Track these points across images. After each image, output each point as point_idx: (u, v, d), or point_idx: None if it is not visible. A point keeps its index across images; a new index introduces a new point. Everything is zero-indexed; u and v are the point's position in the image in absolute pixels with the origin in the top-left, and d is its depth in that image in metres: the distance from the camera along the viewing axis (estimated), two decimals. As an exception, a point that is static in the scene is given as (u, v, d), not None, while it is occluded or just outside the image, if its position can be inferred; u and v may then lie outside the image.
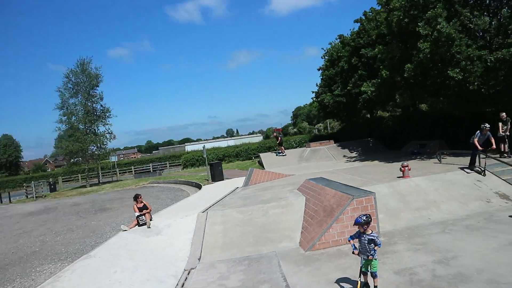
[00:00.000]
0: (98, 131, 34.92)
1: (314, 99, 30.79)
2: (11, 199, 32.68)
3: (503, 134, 13.34)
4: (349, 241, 5.71)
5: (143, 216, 10.22)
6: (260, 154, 28.44)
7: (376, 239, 5.43)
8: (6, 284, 7.95)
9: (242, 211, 10.13)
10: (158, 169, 43.32)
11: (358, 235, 5.58)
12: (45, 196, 31.64)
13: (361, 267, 5.59)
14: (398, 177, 11.65)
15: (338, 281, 6.22)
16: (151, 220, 10.40)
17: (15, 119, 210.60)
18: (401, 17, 16.39)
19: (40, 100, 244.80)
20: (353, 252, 5.63)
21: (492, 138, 11.84)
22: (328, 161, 22.53)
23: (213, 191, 15.53)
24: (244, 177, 17.30)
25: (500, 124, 13.46)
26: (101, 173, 40.45)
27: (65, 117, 33.80)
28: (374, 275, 5.53)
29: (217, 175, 20.14)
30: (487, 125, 11.69)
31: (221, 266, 7.95)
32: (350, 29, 25.71)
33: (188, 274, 7.78)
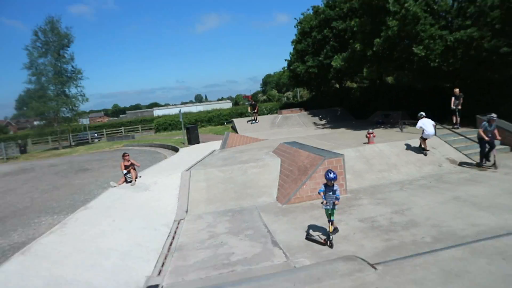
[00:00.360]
0: (70, 93, 34.42)
1: (286, 68, 31.55)
2: (-21, 159, 32.19)
3: (455, 107, 14.79)
4: (319, 193, 6.63)
5: (130, 174, 11.02)
6: (234, 119, 29.26)
7: (338, 192, 6.51)
8: (10, 232, 8.65)
9: (223, 170, 11.10)
10: (131, 133, 43.31)
11: (325, 189, 6.55)
12: (16, 157, 31.39)
13: (330, 215, 6.68)
14: (364, 143, 12.92)
15: (311, 227, 7.36)
16: (137, 177, 11.20)
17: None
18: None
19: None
20: (322, 203, 6.64)
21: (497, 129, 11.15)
22: (299, 127, 23.73)
23: (192, 153, 16.37)
24: (220, 141, 18.25)
25: (453, 98, 14.88)
26: (72, 135, 40.15)
27: (34, 77, 33.04)
28: (332, 221, 6.65)
29: (193, 139, 20.90)
30: (494, 115, 10.96)
31: (208, 217, 8.97)
32: (323, 1, 26.30)
33: (178, 224, 8.76)
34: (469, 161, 11.82)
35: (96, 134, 43.45)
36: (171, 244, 7.45)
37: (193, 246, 7.15)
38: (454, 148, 12.53)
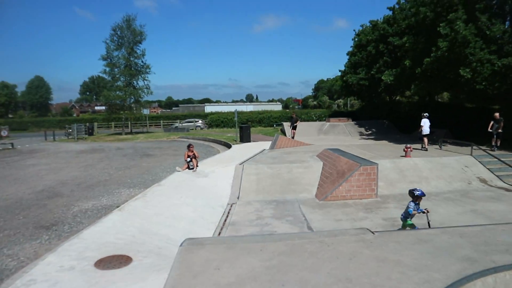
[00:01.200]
0: (137, 85, 37.73)
1: (339, 77, 32.82)
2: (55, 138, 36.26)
3: (492, 131, 15.58)
4: (419, 212, 7.13)
5: (192, 162, 13.02)
6: (283, 123, 30.94)
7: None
8: (99, 197, 10.88)
9: (271, 167, 12.83)
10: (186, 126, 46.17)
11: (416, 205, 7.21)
12: (85, 138, 35.05)
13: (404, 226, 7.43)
14: (401, 156, 14.14)
15: (341, 220, 8.88)
16: (197, 166, 13.19)
17: (42, 61, 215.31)
18: (427, 13, 18.29)
19: (66, 44, 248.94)
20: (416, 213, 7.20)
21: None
22: (345, 136, 24.99)
23: (244, 150, 18.25)
24: (269, 142, 20.02)
25: (492, 122, 15.69)
26: (132, 123, 43.72)
27: (109, 68, 36.63)
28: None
29: (245, 137, 22.84)
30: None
31: (256, 204, 10.71)
32: (383, 16, 27.36)
33: (231, 206, 10.57)
34: (499, 182, 12.71)
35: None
36: (225, 220, 9.25)
37: (243, 223, 8.91)
38: (487, 168, 13.42)
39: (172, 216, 8.48)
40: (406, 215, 7.31)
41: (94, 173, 14.94)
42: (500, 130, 15.44)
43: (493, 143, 15.58)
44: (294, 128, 23.08)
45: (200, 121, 47.41)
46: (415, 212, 7.15)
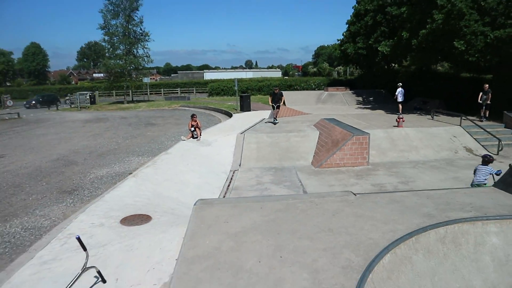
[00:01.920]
0: (137, 53, 37.98)
1: (338, 46, 33.10)
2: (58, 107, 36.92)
3: (481, 102, 16.25)
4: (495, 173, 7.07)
5: (196, 131, 13.84)
6: (282, 92, 31.46)
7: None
8: (111, 165, 11.78)
9: (270, 136, 13.67)
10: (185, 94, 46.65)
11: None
12: (88, 107, 35.70)
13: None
14: (393, 126, 14.94)
15: (334, 185, 9.80)
16: (200, 135, 14.02)
17: (36, 27, 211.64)
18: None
19: (59, 9, 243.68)
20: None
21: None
22: (342, 105, 25.70)
23: (244, 119, 19.03)
24: (268, 111, 20.77)
25: (481, 93, 16.34)
26: (133, 92, 44.21)
27: (108, 37, 36.75)
28: None
29: (245, 106, 23.55)
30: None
31: (256, 170, 11.62)
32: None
33: (233, 173, 11.48)
34: (484, 152, 13.57)
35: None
36: (229, 185, 10.18)
37: (245, 188, 9.84)
38: (474, 138, 14.26)
39: (180, 182, 9.39)
40: (486, 178, 7.42)
41: (103, 142, 15.79)
42: (488, 102, 16.12)
43: (482, 114, 16.32)
44: (277, 107, 16.52)
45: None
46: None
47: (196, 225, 4.45)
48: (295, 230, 4.23)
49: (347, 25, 30.14)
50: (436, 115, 17.74)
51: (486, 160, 7.67)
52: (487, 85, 16.39)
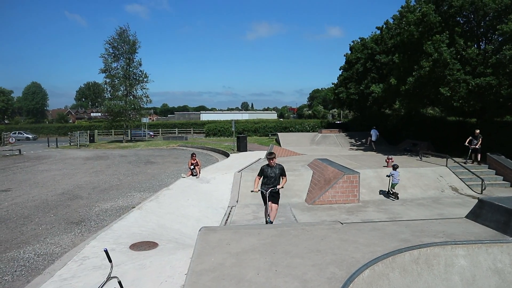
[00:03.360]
0: (137, 94, 39.33)
1: (332, 90, 34.68)
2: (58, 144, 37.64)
3: (469, 145, 16.55)
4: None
5: (195, 169, 14.53)
6: (278, 133, 32.57)
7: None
8: (115, 199, 12.35)
9: (267, 175, 14.36)
10: (183, 134, 47.63)
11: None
12: (87, 145, 36.42)
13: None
14: (383, 166, 15.74)
15: (325, 219, 10.40)
16: (200, 173, 14.70)
17: (36, 67, 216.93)
18: (414, 32, 19.96)
19: (59, 50, 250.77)
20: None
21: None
22: (335, 147, 26.64)
23: (241, 158, 19.80)
24: (264, 151, 21.60)
25: (470, 138, 16.62)
26: (131, 131, 45.20)
27: (109, 79, 38.21)
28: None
29: (242, 146, 24.40)
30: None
31: (253, 206, 12.23)
32: (372, 33, 29.27)
33: (231, 209, 12.08)
34: (469, 191, 14.32)
35: (151, 133, 48.38)
36: (227, 219, 10.76)
37: (242, 222, 10.42)
38: (460, 178, 15.03)
39: (181, 215, 9.99)
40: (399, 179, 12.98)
41: (105, 179, 16.39)
42: (478, 146, 16.29)
43: (470, 158, 16.63)
44: (272, 197, 8.61)
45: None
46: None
47: (202, 247, 5.08)
48: (288, 251, 4.87)
49: (340, 71, 31.76)
50: (425, 156, 18.64)
51: (396, 168, 13.02)
52: (478, 131, 16.61)
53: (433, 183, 14.59)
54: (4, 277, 6.28)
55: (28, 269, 6.60)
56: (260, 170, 8.44)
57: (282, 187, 8.50)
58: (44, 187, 14.50)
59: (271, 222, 8.10)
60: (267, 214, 8.43)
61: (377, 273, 4.44)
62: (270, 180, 8.31)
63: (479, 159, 16.59)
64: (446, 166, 15.69)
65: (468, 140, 16.87)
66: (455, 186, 14.58)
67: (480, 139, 16.59)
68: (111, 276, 4.20)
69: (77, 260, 5.89)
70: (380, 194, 13.51)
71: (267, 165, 8.37)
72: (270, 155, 8.27)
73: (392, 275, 4.57)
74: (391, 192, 13.18)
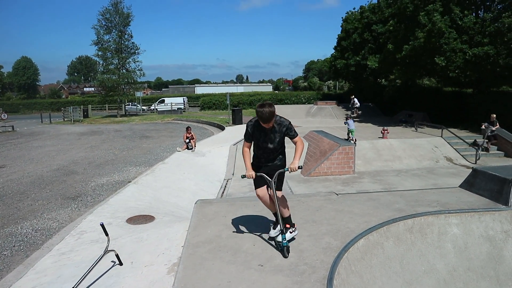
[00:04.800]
0: (130, 68, 38.79)
1: (330, 60, 34.26)
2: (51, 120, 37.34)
3: (485, 130, 15.37)
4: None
5: (190, 143, 14.50)
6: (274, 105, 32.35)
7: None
8: (111, 174, 12.35)
9: (262, 148, 14.37)
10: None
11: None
12: (81, 121, 36.15)
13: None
14: (379, 137, 15.78)
15: (321, 191, 10.50)
16: (195, 146, 14.68)
17: (26, 40, 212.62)
18: (408, 4, 19.66)
19: (48, 22, 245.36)
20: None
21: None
22: (331, 119, 26.61)
23: (236, 131, 19.75)
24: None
25: (485, 124, 15.52)
26: (125, 106, 44.83)
27: (101, 52, 37.54)
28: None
29: (237, 119, 24.32)
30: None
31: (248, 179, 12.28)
32: (368, 3, 28.68)
33: (227, 181, 12.13)
34: (463, 161, 14.43)
35: (144, 108, 47.98)
36: (223, 192, 10.82)
37: (238, 194, 10.47)
38: (454, 149, 15.12)
39: (177, 189, 10.02)
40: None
41: (100, 154, 16.35)
42: (492, 132, 15.21)
43: (482, 147, 14.90)
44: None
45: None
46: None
47: (198, 219, 5.11)
48: (284, 222, 4.91)
49: (337, 40, 31.30)
50: (420, 127, 18.67)
51: (349, 117, 16.40)
52: (494, 115, 15.56)
53: (428, 154, 14.66)
54: (3, 252, 6.33)
55: (27, 244, 6.64)
56: (247, 132, 4.42)
57: (301, 167, 4.41)
58: (39, 163, 14.44)
59: (285, 240, 4.08)
60: (278, 216, 4.26)
61: (371, 242, 4.50)
62: (269, 153, 4.43)
63: (490, 146, 15.28)
64: (441, 136, 15.74)
65: (483, 125, 15.61)
66: (449, 157, 14.67)
67: (497, 124, 15.39)
68: (108, 249, 4.24)
69: (75, 234, 5.92)
70: (375, 165, 13.60)
71: (257, 125, 4.32)
72: (263, 108, 4.06)
73: (387, 244, 4.63)
74: (350, 139, 14.92)
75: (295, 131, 4.34)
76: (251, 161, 4.51)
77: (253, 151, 4.47)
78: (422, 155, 14.58)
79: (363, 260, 4.22)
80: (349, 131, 14.86)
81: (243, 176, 4.39)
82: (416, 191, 6.51)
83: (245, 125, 4.45)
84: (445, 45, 17.90)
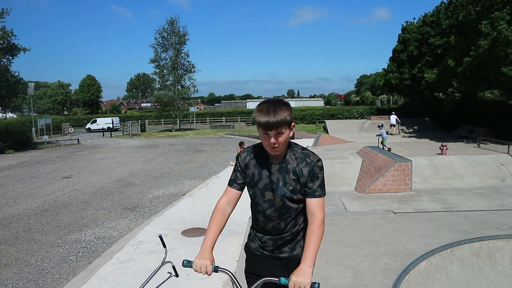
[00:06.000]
0: (185, 84, 40.31)
1: (383, 74, 33.40)
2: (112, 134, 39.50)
3: None
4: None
5: (243, 158, 14.67)
6: (326, 120, 32.07)
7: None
8: (166, 186, 12.78)
9: (314, 163, 14.21)
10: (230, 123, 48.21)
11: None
12: (138, 135, 37.91)
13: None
14: (437, 153, 15.04)
15: (376, 209, 10.14)
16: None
17: (94, 59, 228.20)
18: (472, 11, 18.71)
19: (109, 43, 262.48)
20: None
21: None
22: (388, 134, 25.82)
23: (288, 147, 19.72)
24: (311, 139, 21.38)
25: None
26: (180, 120, 46.44)
27: (158, 70, 39.39)
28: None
29: (289, 135, 24.27)
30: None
31: (300, 194, 12.17)
32: (426, 14, 27.69)
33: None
34: (534, 179, 13.34)
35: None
36: (275, 207, 10.79)
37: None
38: (523, 166, 14.04)
39: (230, 202, 10.15)
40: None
41: (156, 167, 16.99)
42: None
43: None
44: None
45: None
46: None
47: (252, 234, 5.12)
48: (339, 240, 4.79)
49: (393, 53, 30.53)
50: (483, 143, 17.55)
51: (381, 126, 17.16)
52: None
53: (493, 172, 13.72)
54: (69, 257, 6.71)
55: (89, 251, 6.99)
56: (234, 168, 2.33)
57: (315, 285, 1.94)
58: (101, 174, 15.29)
59: None
60: None
61: (434, 265, 4.26)
62: (274, 222, 2.21)
63: None
64: (508, 153, 14.69)
65: None
66: (518, 175, 13.63)
67: None
68: (165, 260, 4.36)
69: (133, 244, 6.15)
70: (433, 183, 12.94)
71: (257, 153, 2.23)
72: (266, 105, 2.01)
73: (451, 268, 4.35)
74: (385, 147, 15.98)
75: (323, 185, 2.17)
76: (250, 234, 2.46)
77: (251, 212, 2.36)
78: (486, 173, 13.66)
79: (424, 284, 3.99)
80: (383, 140, 16.42)
81: (187, 265, 2.12)
82: (482, 212, 6.09)
83: (236, 159, 2.33)
84: (512, 55, 16.85)
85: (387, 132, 18.95)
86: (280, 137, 1.98)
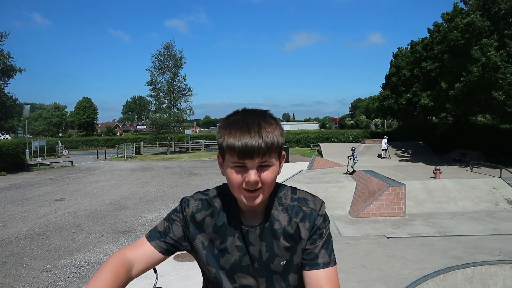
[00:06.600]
0: (181, 107, 40.54)
1: (377, 98, 33.88)
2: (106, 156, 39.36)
3: None
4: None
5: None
6: (320, 144, 32.22)
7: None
8: (159, 210, 12.68)
9: (309, 186, 14.19)
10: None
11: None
12: (133, 157, 37.80)
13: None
14: (431, 177, 15.11)
15: (370, 233, 10.10)
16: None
17: (89, 82, 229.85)
18: (458, 37, 19.18)
19: (106, 65, 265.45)
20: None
21: None
22: (380, 157, 25.93)
23: (283, 170, 19.67)
24: (306, 162, 21.42)
25: None
26: (175, 143, 46.45)
27: (154, 92, 39.70)
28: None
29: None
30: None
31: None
32: (420, 38, 28.30)
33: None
34: (527, 204, 13.39)
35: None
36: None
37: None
38: (516, 191, 14.12)
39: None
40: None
41: (150, 190, 16.90)
42: None
43: None
44: None
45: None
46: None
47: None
48: (332, 266, 4.77)
49: (386, 77, 31.03)
50: (476, 167, 17.68)
51: (354, 150, 17.63)
52: None
53: (486, 196, 13.78)
54: (58, 282, 6.59)
55: (79, 276, 6.88)
56: (167, 223, 1.37)
57: None
58: (94, 197, 15.17)
59: None
60: None
61: (427, 291, 4.23)
62: None
63: None
64: (501, 177, 14.79)
65: None
66: (511, 199, 13.69)
67: None
68: (156, 286, 4.31)
69: (124, 269, 6.06)
70: (427, 207, 12.96)
71: (217, 206, 1.36)
72: (242, 114, 1.24)
73: (443, 294, 4.33)
74: (352, 168, 16.74)
75: (331, 247, 1.34)
76: None
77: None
78: (479, 196, 13.71)
79: (418, 311, 3.96)
80: (354, 163, 17.08)
81: None
82: (475, 237, 6.10)
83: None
84: (502, 80, 17.19)
85: (379, 155, 19.17)
86: (266, 171, 1.17)
